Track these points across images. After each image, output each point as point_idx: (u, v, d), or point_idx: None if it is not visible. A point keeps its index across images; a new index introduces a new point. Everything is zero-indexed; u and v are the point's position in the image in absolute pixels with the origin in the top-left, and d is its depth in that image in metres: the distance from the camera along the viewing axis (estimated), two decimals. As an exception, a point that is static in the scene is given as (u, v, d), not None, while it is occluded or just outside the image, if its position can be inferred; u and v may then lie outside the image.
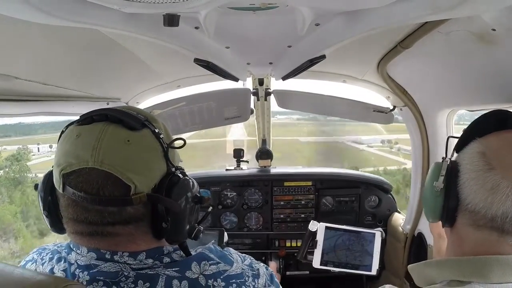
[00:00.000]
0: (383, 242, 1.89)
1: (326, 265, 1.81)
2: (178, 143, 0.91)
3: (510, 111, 0.87)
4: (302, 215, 2.69)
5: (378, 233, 1.85)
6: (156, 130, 0.88)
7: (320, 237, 1.83)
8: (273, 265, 1.92)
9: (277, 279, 1.06)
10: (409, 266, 0.95)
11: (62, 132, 0.87)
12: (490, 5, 0.91)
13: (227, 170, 2.81)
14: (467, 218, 0.83)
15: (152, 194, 0.83)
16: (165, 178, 0.86)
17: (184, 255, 0.91)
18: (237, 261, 0.94)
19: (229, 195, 2.70)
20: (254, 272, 0.95)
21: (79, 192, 0.79)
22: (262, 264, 1.03)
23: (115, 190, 0.79)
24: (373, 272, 1.81)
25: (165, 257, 0.87)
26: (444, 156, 0.94)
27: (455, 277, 0.81)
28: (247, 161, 2.89)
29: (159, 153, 0.87)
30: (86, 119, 0.86)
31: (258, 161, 2.86)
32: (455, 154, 0.91)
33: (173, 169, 0.89)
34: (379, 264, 1.84)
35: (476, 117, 0.93)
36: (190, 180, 0.92)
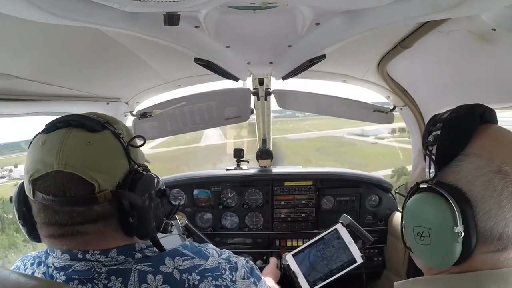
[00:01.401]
0: (353, 226, 1.83)
1: (316, 285, 1.80)
2: (138, 141, 0.96)
3: (481, 104, 0.79)
4: (303, 215, 2.69)
5: (338, 225, 1.83)
6: (116, 131, 0.92)
7: (294, 267, 1.83)
8: (273, 261, 1.93)
9: (258, 272, 1.07)
10: (395, 284, 0.87)
11: (31, 142, 0.91)
12: (490, 5, 0.91)
13: (227, 170, 2.81)
14: (492, 247, 0.73)
15: (116, 190, 0.87)
16: (127, 175, 0.90)
17: (157, 251, 0.94)
18: (213, 255, 0.97)
19: (229, 195, 2.70)
20: (231, 265, 0.98)
21: (48, 195, 0.83)
22: (242, 258, 1.05)
23: (80, 189, 0.83)
24: (359, 260, 1.78)
25: (137, 253, 0.90)
26: (430, 180, 0.76)
27: None
28: (247, 161, 2.89)
29: (120, 151, 0.91)
30: (51, 127, 0.90)
31: (258, 161, 2.86)
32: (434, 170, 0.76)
33: (136, 166, 0.93)
34: (361, 246, 1.80)
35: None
36: (153, 175, 0.96)
